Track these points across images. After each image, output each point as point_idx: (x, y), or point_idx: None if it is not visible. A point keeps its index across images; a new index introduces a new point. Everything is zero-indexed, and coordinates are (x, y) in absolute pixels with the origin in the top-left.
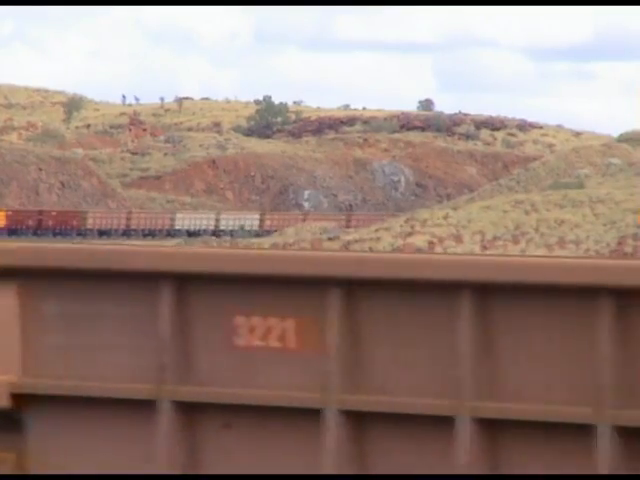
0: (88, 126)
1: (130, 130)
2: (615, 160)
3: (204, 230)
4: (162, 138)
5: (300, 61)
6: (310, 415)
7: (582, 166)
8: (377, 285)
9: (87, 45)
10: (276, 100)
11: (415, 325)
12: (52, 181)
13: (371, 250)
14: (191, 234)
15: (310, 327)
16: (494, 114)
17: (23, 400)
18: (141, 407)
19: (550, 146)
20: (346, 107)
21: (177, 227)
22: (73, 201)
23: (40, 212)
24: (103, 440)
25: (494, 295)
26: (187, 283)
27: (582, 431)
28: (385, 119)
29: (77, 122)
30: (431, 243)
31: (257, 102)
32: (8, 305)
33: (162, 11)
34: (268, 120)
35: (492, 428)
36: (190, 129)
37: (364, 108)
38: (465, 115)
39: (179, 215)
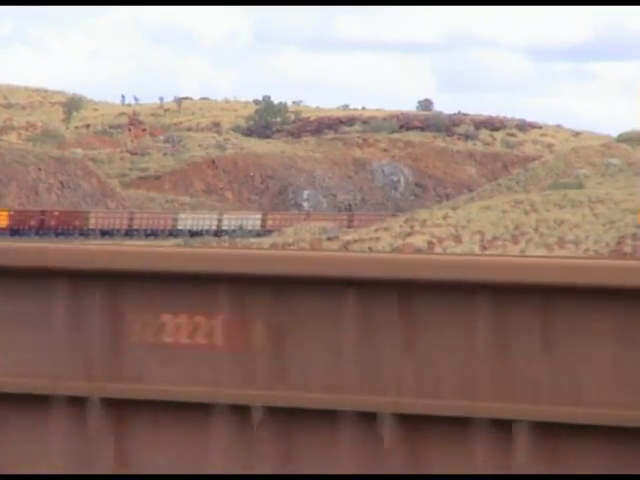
0: (87, 126)
1: (129, 130)
2: (614, 160)
3: (206, 230)
4: (161, 138)
5: (300, 61)
6: (237, 411)
7: (581, 166)
8: (303, 283)
9: (87, 45)
10: (275, 100)
11: (339, 322)
12: (51, 181)
13: (370, 250)
14: (193, 234)
15: (236, 324)
16: (493, 114)
17: None
18: (73, 404)
19: (549, 146)
20: (345, 107)
21: (179, 227)
22: (72, 201)
23: (42, 212)
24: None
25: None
26: (118, 281)
27: (501, 426)
28: (384, 119)
29: (76, 122)
30: (430, 243)
31: (256, 102)
32: None
33: (162, 11)
34: (267, 120)
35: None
36: (189, 129)
37: (363, 108)
38: (464, 115)
39: (181, 215)
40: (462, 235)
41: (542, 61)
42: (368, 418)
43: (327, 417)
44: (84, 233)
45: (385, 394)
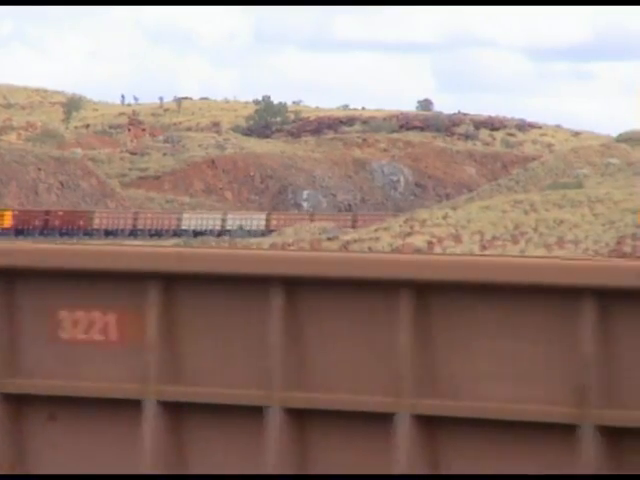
0: (87, 126)
1: (129, 130)
2: (614, 160)
3: (210, 230)
4: (161, 138)
5: (299, 61)
6: (130, 406)
7: (581, 166)
8: (195, 279)
9: (86, 45)
10: (275, 100)
11: (231, 318)
12: (51, 181)
13: (370, 250)
14: (197, 234)
15: (131, 320)
16: (493, 114)
17: None
18: None
19: (549, 146)
20: (345, 107)
21: (183, 227)
22: (72, 201)
23: (47, 212)
24: None
25: (302, 289)
26: (13, 278)
27: (383, 420)
28: (384, 119)
29: (76, 122)
30: (430, 243)
31: (256, 102)
32: None
33: (161, 11)
34: (267, 120)
35: (301, 418)
36: (189, 129)
37: (363, 108)
38: (464, 115)
39: (185, 215)
40: (462, 235)
41: (542, 61)
42: (256, 412)
43: (219, 412)
44: (88, 233)
45: (272, 388)
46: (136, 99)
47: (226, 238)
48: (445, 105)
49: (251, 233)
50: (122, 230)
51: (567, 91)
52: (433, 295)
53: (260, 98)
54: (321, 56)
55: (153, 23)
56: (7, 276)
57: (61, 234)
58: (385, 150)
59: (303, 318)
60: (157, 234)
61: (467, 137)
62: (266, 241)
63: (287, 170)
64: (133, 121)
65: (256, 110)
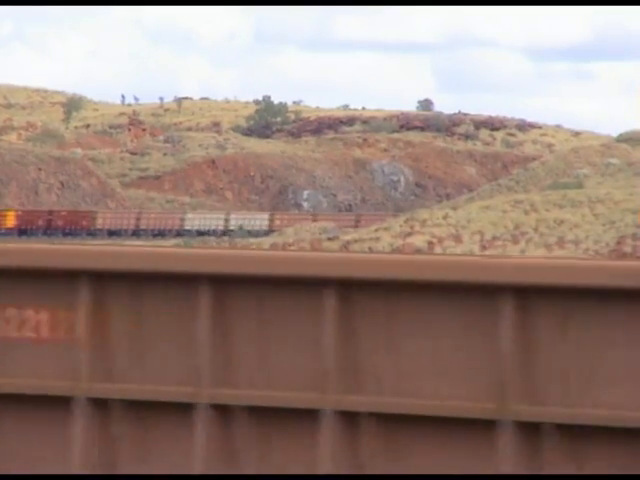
0: (87, 126)
1: (129, 130)
2: (614, 160)
3: (214, 230)
4: (161, 138)
5: (299, 61)
6: (61, 403)
7: (581, 166)
8: (126, 278)
9: (86, 45)
10: (275, 100)
11: (161, 316)
12: (51, 181)
13: (370, 250)
14: (201, 234)
15: (63, 318)
16: (493, 114)
17: None
18: None
19: (549, 146)
20: (345, 107)
21: (187, 227)
22: (72, 201)
23: (50, 212)
24: None
25: (229, 287)
26: None
27: (309, 416)
28: (384, 119)
29: (76, 122)
30: (430, 243)
31: (256, 102)
32: None
33: (162, 11)
34: (267, 120)
35: (227, 414)
36: (189, 129)
37: (363, 108)
38: (464, 115)
39: (189, 215)
40: (462, 235)
41: (542, 61)
42: (184, 408)
43: (146, 408)
44: (91, 233)
45: (201, 385)
46: (136, 99)
47: (226, 238)
48: (445, 105)
49: (254, 233)
50: (125, 230)
51: (567, 91)
52: (357, 293)
53: (260, 98)
54: (321, 56)
55: (153, 23)
56: None
57: (64, 234)
58: (385, 150)
59: (231, 316)
60: (160, 234)
61: (467, 137)
62: (266, 241)
63: (287, 170)
64: (133, 121)
65: (256, 110)
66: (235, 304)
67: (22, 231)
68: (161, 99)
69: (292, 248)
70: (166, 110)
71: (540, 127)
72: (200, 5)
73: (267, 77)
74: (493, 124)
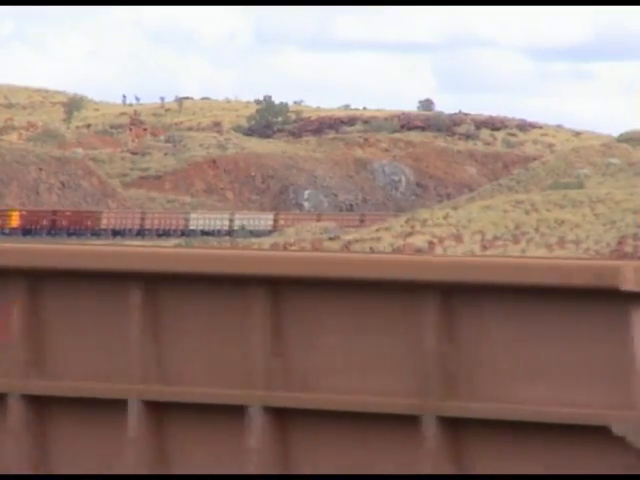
0: (88, 126)
1: (130, 130)
2: (615, 160)
3: (218, 230)
4: (162, 138)
5: (300, 61)
6: None
7: (582, 166)
8: (60, 276)
9: (87, 45)
10: (276, 100)
11: (93, 314)
12: (52, 181)
13: (372, 250)
14: (205, 234)
15: None
16: (494, 114)
17: None
18: None
19: (550, 146)
20: (346, 107)
21: (191, 227)
22: (73, 201)
23: (54, 212)
24: None
25: (162, 285)
26: None
27: (238, 413)
28: (385, 119)
29: (77, 122)
30: (431, 243)
31: (257, 102)
32: None
33: (162, 11)
34: (268, 120)
35: (160, 411)
36: (190, 129)
37: (364, 108)
38: (465, 115)
39: (193, 215)
40: (463, 235)
41: (542, 61)
42: (118, 405)
43: (82, 405)
44: (96, 233)
45: (133, 382)
46: (137, 99)
47: (226, 238)
48: (446, 105)
49: (258, 233)
50: (130, 230)
51: (568, 91)
52: (287, 290)
53: (261, 98)
54: (322, 56)
55: (154, 23)
56: None
57: (69, 234)
58: (386, 150)
59: (161, 314)
60: (165, 234)
61: (468, 137)
62: (267, 241)
63: (288, 170)
64: (134, 121)
65: (257, 110)
66: (164, 302)
67: (26, 231)
68: (162, 99)
69: (293, 248)
70: (167, 110)
71: (541, 127)
72: (200, 5)
73: (268, 77)
74: (494, 124)
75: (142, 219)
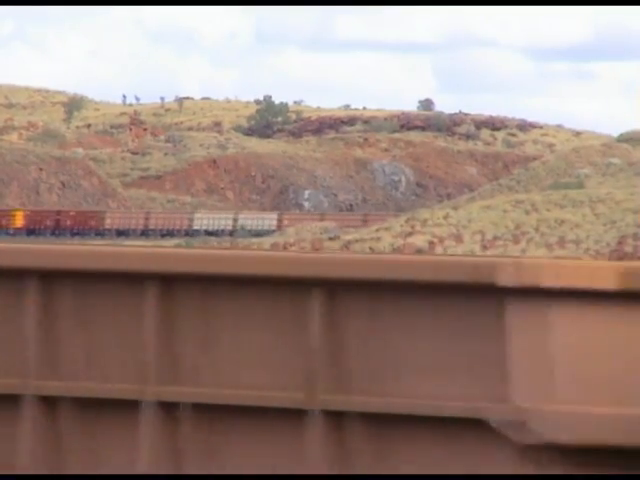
0: (89, 126)
1: (131, 130)
2: (615, 160)
3: (222, 230)
4: (163, 138)
5: (300, 61)
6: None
7: (582, 166)
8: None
9: (87, 45)
10: (276, 100)
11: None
12: (52, 181)
13: (372, 250)
14: (209, 234)
15: None
16: (494, 114)
17: None
18: None
19: (550, 146)
20: (346, 107)
21: (195, 227)
22: (73, 201)
23: (58, 212)
24: None
25: (57, 281)
26: None
27: (130, 408)
28: (385, 119)
29: (78, 122)
30: (431, 243)
31: (257, 102)
32: None
33: (162, 11)
34: (268, 120)
35: (55, 406)
36: (190, 129)
37: (364, 108)
38: (465, 115)
39: (197, 215)
40: (463, 235)
41: (542, 61)
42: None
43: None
44: (100, 233)
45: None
46: (137, 99)
47: (227, 238)
48: (446, 105)
49: (262, 233)
50: (134, 230)
51: (568, 91)
52: (179, 287)
53: (261, 98)
54: (322, 56)
55: (154, 23)
56: None
57: (72, 234)
58: (386, 150)
59: (58, 310)
60: (169, 234)
61: (468, 137)
62: (268, 241)
63: (288, 170)
64: (134, 121)
65: (257, 110)
66: (62, 298)
67: (30, 231)
68: (162, 99)
69: (293, 248)
70: (167, 110)
71: (541, 127)
72: (200, 5)
73: (268, 77)
74: (494, 124)
75: (146, 219)
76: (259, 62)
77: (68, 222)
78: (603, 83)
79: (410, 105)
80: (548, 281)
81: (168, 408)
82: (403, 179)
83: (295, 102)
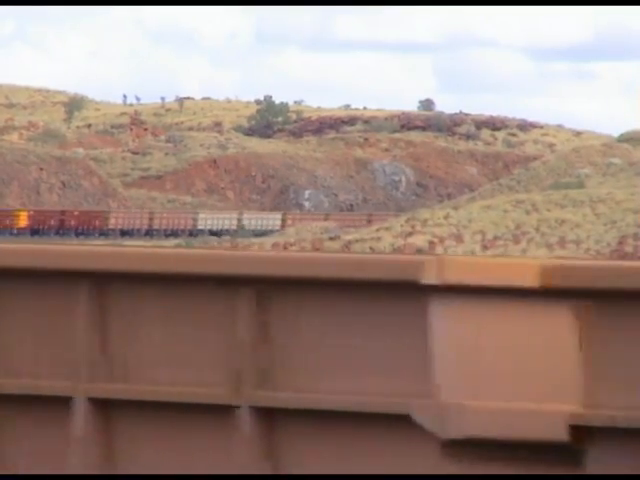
0: (89, 126)
1: (131, 130)
2: (615, 160)
3: (226, 230)
4: (163, 138)
5: (300, 61)
6: None
7: (582, 166)
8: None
9: (88, 45)
10: (277, 100)
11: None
12: (53, 181)
13: (372, 250)
14: (213, 234)
15: None
16: (495, 114)
17: None
18: None
19: (551, 146)
20: (347, 107)
21: (200, 227)
22: (74, 201)
23: (62, 212)
24: None
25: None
26: None
27: (62, 404)
28: (386, 119)
29: (78, 122)
30: (432, 243)
31: (258, 102)
32: None
33: (163, 11)
34: (269, 120)
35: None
36: (191, 129)
37: (365, 108)
38: (466, 115)
39: (202, 215)
40: (463, 235)
41: (543, 61)
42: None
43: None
44: (104, 233)
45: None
46: (138, 99)
47: (227, 238)
48: (446, 105)
49: (265, 233)
50: (138, 230)
51: (568, 91)
52: (110, 285)
53: (262, 98)
54: (322, 56)
55: (154, 23)
56: None
57: (77, 234)
58: (387, 150)
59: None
60: (173, 234)
61: (468, 137)
62: (269, 241)
63: (289, 170)
64: (135, 121)
65: (258, 110)
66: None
67: (34, 231)
68: (163, 99)
69: (294, 248)
70: (168, 110)
71: (541, 127)
72: (201, 5)
73: (268, 77)
74: (494, 124)
75: (150, 219)
76: (259, 62)
77: (72, 222)
78: (603, 83)
79: (410, 105)
80: (470, 279)
81: (100, 405)
82: (403, 179)
83: (295, 102)
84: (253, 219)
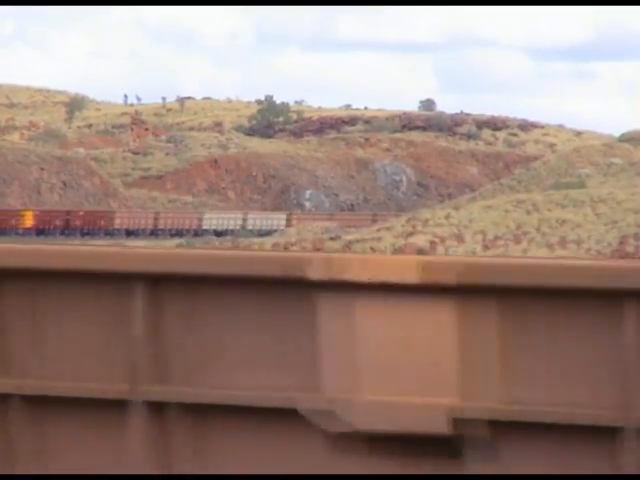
0: (90, 126)
1: (132, 130)
2: (616, 160)
3: (231, 230)
4: (164, 138)
5: (301, 61)
6: None
7: (583, 166)
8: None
9: (88, 45)
10: (278, 100)
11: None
12: (54, 181)
13: (372, 250)
14: (218, 234)
15: None
16: (495, 114)
17: None
18: None
19: (551, 146)
20: (347, 107)
21: (205, 227)
22: (75, 201)
23: (68, 212)
24: None
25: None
26: None
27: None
28: (387, 119)
29: (79, 122)
30: (433, 243)
31: (259, 102)
32: None
33: (163, 11)
34: (270, 120)
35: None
36: (192, 129)
37: (365, 108)
38: (466, 115)
39: (207, 215)
40: (464, 235)
41: (543, 61)
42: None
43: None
44: (109, 233)
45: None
46: (139, 99)
47: (228, 238)
48: (447, 105)
49: (270, 233)
50: (143, 230)
51: (569, 91)
52: (7, 283)
53: (262, 98)
54: (323, 56)
55: (155, 23)
56: None
57: (82, 234)
58: (387, 150)
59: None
60: (178, 234)
61: (469, 137)
62: (269, 241)
63: (289, 170)
64: (136, 121)
65: (258, 110)
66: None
67: (40, 231)
68: (163, 99)
69: (294, 248)
70: (168, 110)
71: (542, 127)
72: (201, 5)
73: (269, 77)
74: (495, 124)
75: (155, 219)
76: (260, 62)
77: (77, 222)
78: (604, 83)
79: (411, 105)
80: (355, 275)
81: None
82: (404, 179)
83: (296, 102)
84: (258, 219)
